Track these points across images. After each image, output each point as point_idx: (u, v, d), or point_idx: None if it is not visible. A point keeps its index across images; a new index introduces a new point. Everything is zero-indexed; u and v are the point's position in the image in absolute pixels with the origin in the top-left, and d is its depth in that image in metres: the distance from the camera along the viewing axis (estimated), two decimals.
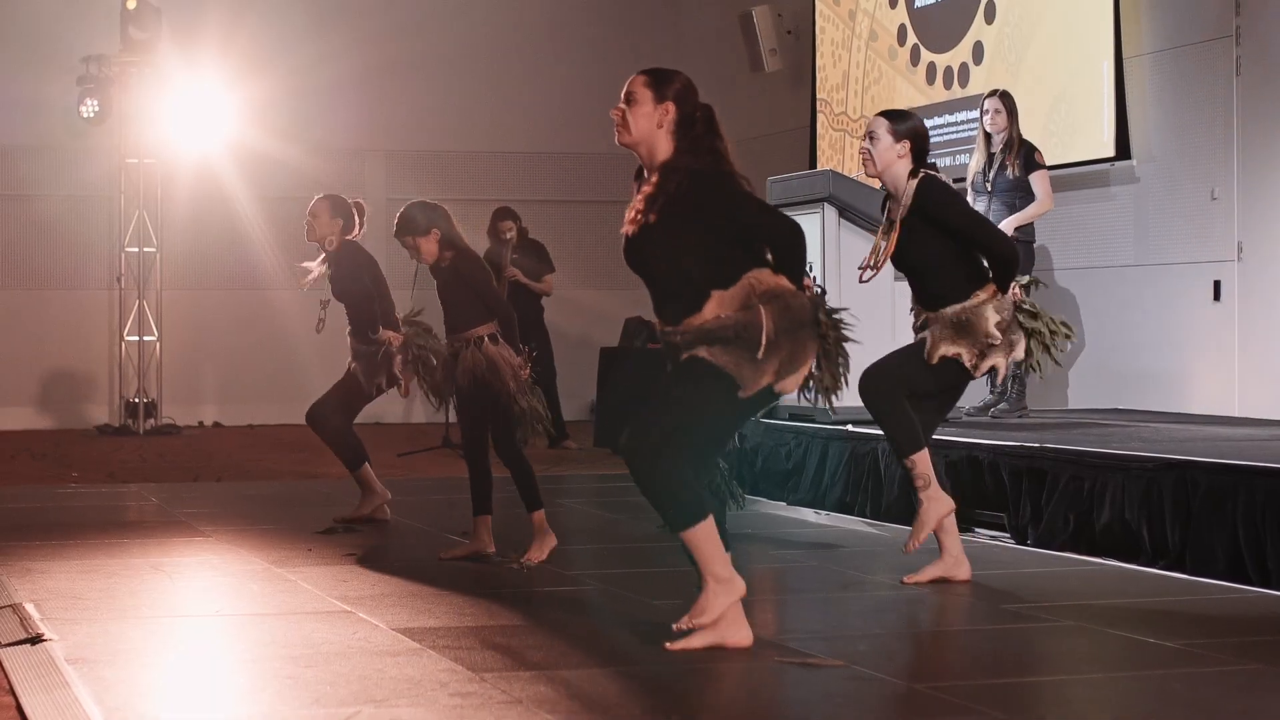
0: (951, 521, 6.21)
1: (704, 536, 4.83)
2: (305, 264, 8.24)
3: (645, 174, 5.03)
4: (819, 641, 5.08)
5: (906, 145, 6.14)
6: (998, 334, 6.09)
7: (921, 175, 6.14)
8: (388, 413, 14.37)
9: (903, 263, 6.22)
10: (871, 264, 6.23)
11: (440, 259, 6.86)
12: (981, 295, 6.11)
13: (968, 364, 6.10)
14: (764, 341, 4.77)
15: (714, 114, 4.98)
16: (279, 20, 15.04)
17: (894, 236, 6.13)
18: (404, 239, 6.85)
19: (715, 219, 4.86)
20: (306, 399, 8.31)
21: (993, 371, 6.22)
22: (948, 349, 6.09)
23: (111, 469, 11.13)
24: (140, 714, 4.21)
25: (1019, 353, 6.21)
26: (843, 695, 4.44)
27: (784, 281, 4.87)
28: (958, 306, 6.10)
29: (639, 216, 4.90)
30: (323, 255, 8.15)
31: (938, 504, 6.14)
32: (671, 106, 4.93)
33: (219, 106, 14.53)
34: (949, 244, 6.12)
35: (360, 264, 8.09)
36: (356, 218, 8.13)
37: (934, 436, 6.47)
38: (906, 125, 6.18)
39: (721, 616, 4.88)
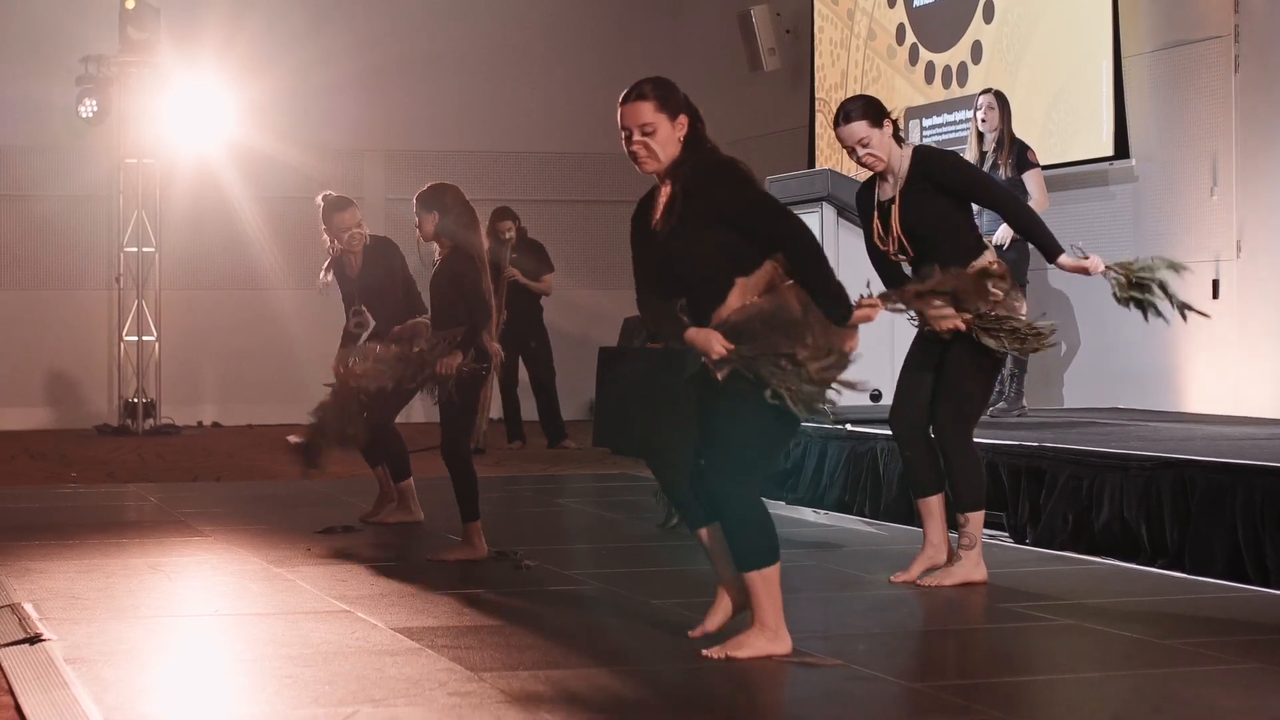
0: (941, 511, 6.20)
1: (772, 580, 4.81)
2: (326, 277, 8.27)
3: (658, 183, 5.01)
4: (818, 641, 5.08)
5: (889, 124, 6.12)
6: (998, 291, 6.04)
7: (915, 147, 6.14)
8: None
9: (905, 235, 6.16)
10: (893, 250, 6.17)
11: (440, 251, 6.93)
12: (977, 264, 6.08)
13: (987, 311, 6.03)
14: (799, 318, 4.73)
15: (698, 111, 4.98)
16: (278, 20, 15.03)
17: (895, 211, 6.09)
18: (416, 210, 6.99)
19: (734, 218, 4.83)
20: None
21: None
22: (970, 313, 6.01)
23: (110, 469, 11.13)
24: (139, 713, 4.21)
25: (1023, 310, 6.15)
26: (842, 695, 4.44)
27: None
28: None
29: (663, 225, 4.88)
30: (331, 259, 8.18)
31: (973, 569, 6.12)
32: (684, 118, 4.92)
33: (218, 106, 14.53)
34: (949, 212, 6.09)
35: (387, 256, 8.09)
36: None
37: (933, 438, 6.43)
38: (874, 108, 6.12)
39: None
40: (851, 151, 6.14)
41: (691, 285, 4.90)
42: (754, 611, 4.84)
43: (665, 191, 4.93)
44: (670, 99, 4.92)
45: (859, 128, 6.07)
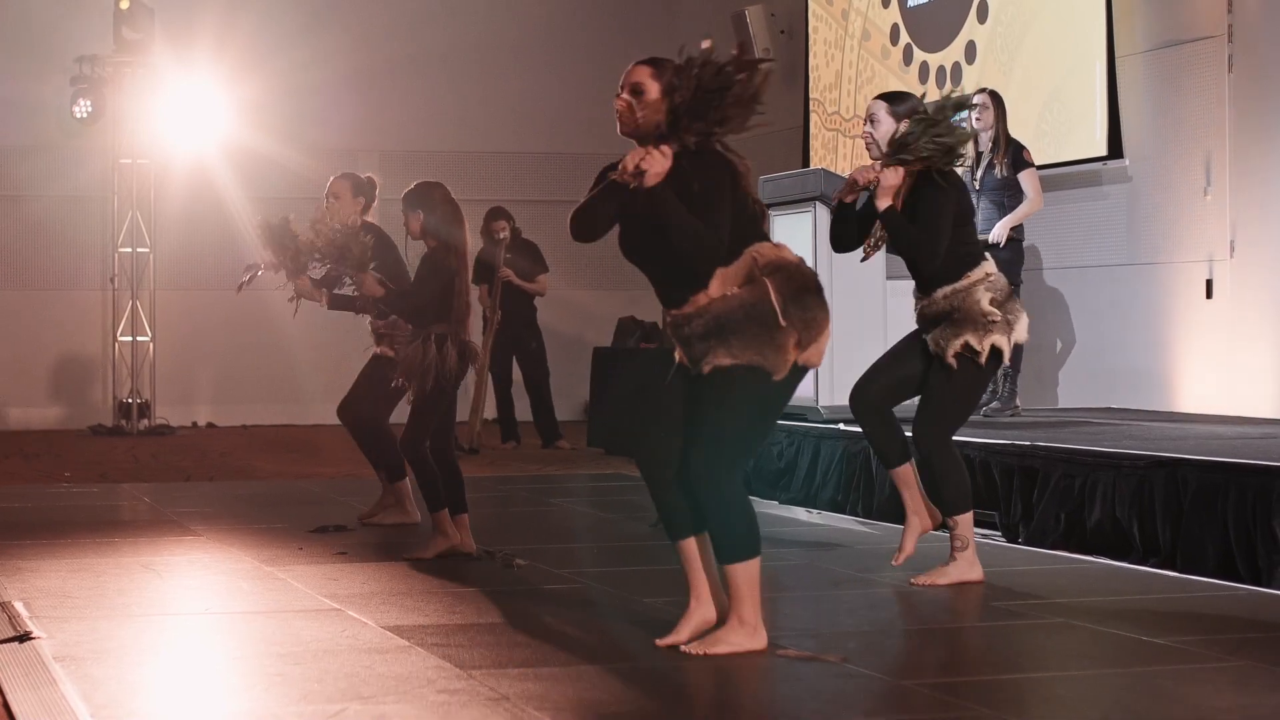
0: (915, 478, 6.21)
1: (753, 573, 4.81)
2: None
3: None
4: (810, 639, 5.07)
5: (905, 124, 6.11)
6: (995, 311, 6.03)
7: None
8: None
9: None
10: (871, 243, 6.19)
11: (426, 245, 6.96)
12: (973, 276, 6.08)
13: (976, 346, 6.02)
14: (778, 310, 4.73)
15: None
16: (273, 20, 15.02)
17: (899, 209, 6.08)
18: (403, 208, 7.01)
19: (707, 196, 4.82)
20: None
21: (995, 357, 6.11)
22: (955, 343, 6.03)
23: (104, 469, 11.12)
24: (128, 711, 4.20)
25: (1020, 331, 6.13)
26: (833, 692, 4.44)
27: (785, 253, 4.84)
28: (948, 289, 6.07)
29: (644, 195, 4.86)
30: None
31: (968, 569, 6.12)
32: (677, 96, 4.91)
33: (213, 107, 14.52)
34: None
35: (382, 246, 7.62)
36: (372, 197, 8.00)
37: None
38: (906, 106, 6.12)
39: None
40: (865, 121, 6.22)
41: (666, 270, 4.88)
42: (732, 606, 4.82)
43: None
44: (666, 71, 4.90)
45: (879, 106, 6.13)
